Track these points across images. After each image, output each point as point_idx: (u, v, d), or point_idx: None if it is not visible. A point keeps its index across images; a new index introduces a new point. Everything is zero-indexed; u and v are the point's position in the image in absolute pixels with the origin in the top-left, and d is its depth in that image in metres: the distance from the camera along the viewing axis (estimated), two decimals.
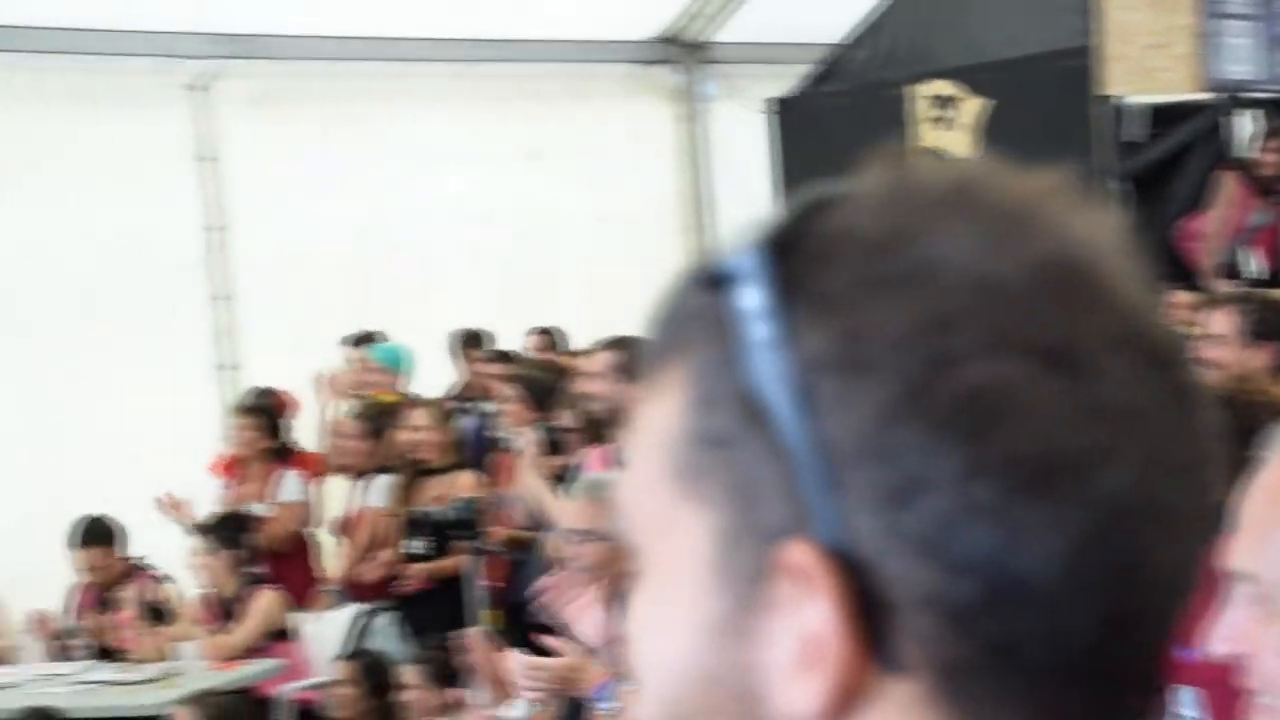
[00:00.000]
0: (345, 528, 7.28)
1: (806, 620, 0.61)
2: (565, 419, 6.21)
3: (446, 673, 5.56)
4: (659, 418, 0.66)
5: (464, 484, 6.83)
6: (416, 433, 6.93)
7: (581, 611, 3.92)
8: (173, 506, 6.93)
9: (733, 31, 9.85)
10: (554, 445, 6.32)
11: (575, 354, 7.38)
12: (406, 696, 5.64)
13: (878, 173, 0.66)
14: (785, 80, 9.24)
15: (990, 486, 0.60)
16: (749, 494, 0.63)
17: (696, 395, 0.64)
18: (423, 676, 5.58)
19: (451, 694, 5.49)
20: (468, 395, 7.88)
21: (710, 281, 0.65)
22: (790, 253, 0.63)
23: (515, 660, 4.05)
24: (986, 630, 0.61)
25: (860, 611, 0.61)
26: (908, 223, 0.63)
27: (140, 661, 6.40)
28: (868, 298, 0.62)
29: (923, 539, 0.60)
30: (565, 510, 4.59)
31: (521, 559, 6.54)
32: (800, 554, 0.61)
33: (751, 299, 0.63)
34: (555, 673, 3.92)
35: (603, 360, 5.55)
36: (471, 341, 8.17)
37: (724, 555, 0.64)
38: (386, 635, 6.73)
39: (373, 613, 6.81)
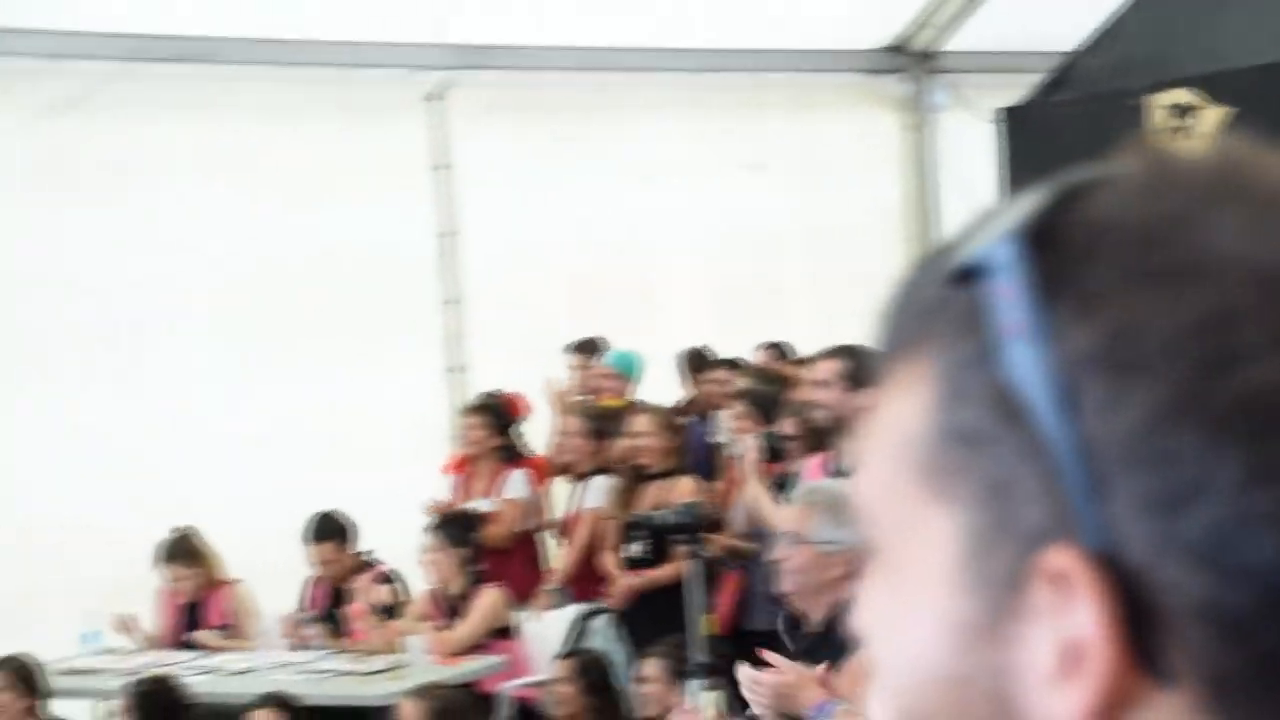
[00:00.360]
0: (565, 528, 7.39)
1: (1070, 627, 0.59)
2: (786, 426, 6.21)
3: (682, 670, 5.61)
4: (901, 414, 0.64)
5: (684, 489, 6.88)
6: (639, 438, 7.00)
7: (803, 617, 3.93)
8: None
9: (963, 40, 9.74)
10: (774, 453, 6.33)
11: (799, 363, 7.38)
12: (644, 690, 5.71)
13: (1132, 159, 0.63)
14: (1016, 89, 9.10)
15: (1272, 493, 0.58)
16: (1004, 494, 0.61)
17: (946, 391, 0.62)
18: (661, 671, 5.63)
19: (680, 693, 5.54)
20: (695, 409, 7.93)
21: (960, 273, 0.63)
22: (1049, 243, 0.61)
23: (740, 674, 4.05)
24: (1261, 640, 0.59)
25: (1127, 619, 0.59)
26: (1176, 211, 0.61)
27: (370, 653, 6.59)
28: (1138, 292, 0.59)
29: (1198, 547, 0.58)
30: (785, 517, 4.60)
31: (742, 566, 6.57)
32: (1063, 558, 0.59)
33: (1009, 291, 0.61)
34: (775, 688, 3.92)
35: (826, 368, 5.54)
36: (697, 359, 8.23)
37: (975, 555, 0.62)
38: (605, 636, 6.81)
39: (592, 613, 6.90)
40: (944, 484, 0.63)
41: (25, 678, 6.13)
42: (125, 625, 6.99)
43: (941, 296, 0.63)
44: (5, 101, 7.61)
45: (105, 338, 7.73)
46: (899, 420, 0.64)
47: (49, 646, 6.46)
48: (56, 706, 6.36)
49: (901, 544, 0.65)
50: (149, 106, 7.91)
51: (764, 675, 3.97)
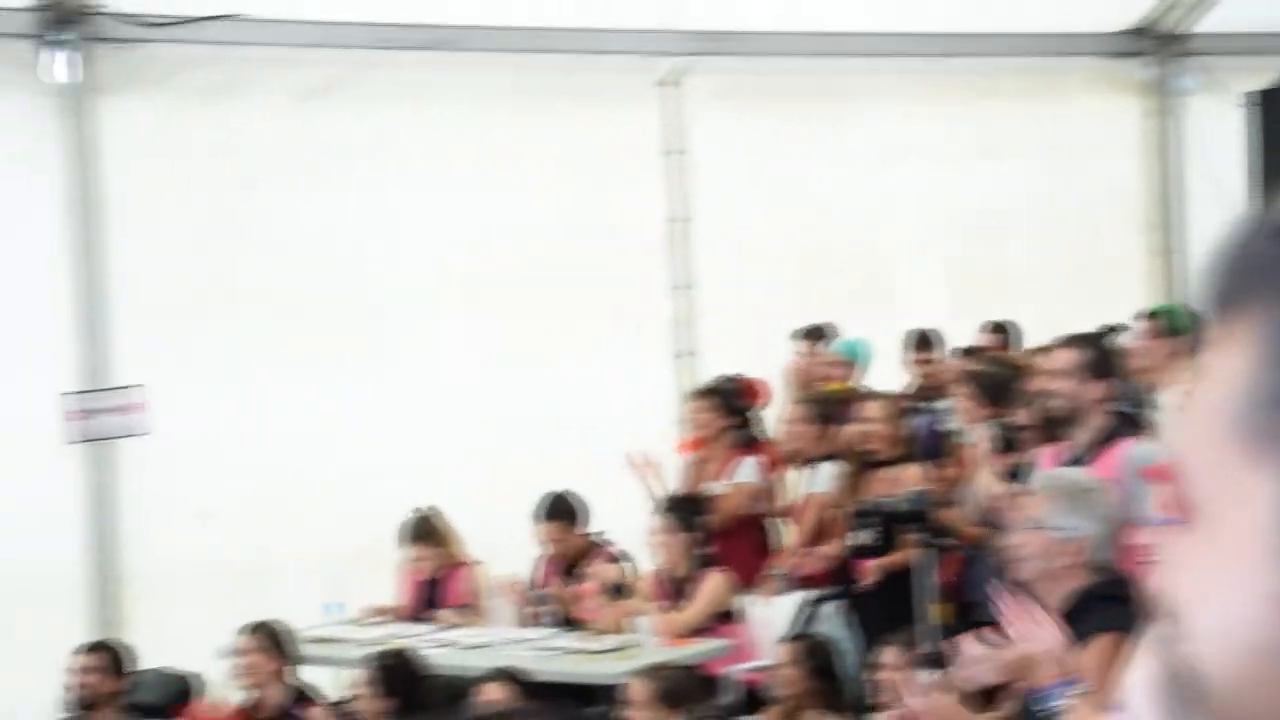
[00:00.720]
0: (793, 514, 7.39)
1: None
2: (1020, 416, 6.11)
3: (916, 658, 5.58)
4: (1225, 373, 0.63)
5: (911, 477, 6.82)
6: (867, 424, 6.97)
7: (1034, 609, 3.88)
8: (644, 466, 7.16)
9: (1213, 21, 9.42)
10: (1008, 442, 6.23)
11: (1034, 351, 7.25)
12: (879, 677, 5.69)
13: None
14: (1267, 72, 8.77)
15: None
16: None
17: (1270, 353, 0.61)
18: (897, 659, 5.60)
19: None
20: (922, 394, 7.86)
21: None
22: None
23: (967, 646, 4.03)
24: None
25: None
26: None
27: (600, 632, 6.69)
28: None
29: None
30: (1019, 507, 4.55)
31: (972, 554, 6.49)
32: None
33: None
34: (1009, 662, 3.89)
35: (1064, 358, 5.43)
36: (924, 343, 8.14)
37: None
38: (832, 623, 6.80)
39: (819, 600, 6.89)
40: (1264, 449, 0.61)
41: (276, 643, 6.35)
42: (374, 613, 7.21)
43: (1272, 255, 0.62)
44: (263, 89, 7.93)
45: (352, 317, 8.00)
46: (1222, 379, 0.63)
47: (295, 615, 6.69)
48: (302, 673, 6.59)
49: (1219, 507, 0.63)
50: (395, 93, 8.16)
51: (997, 650, 3.94)
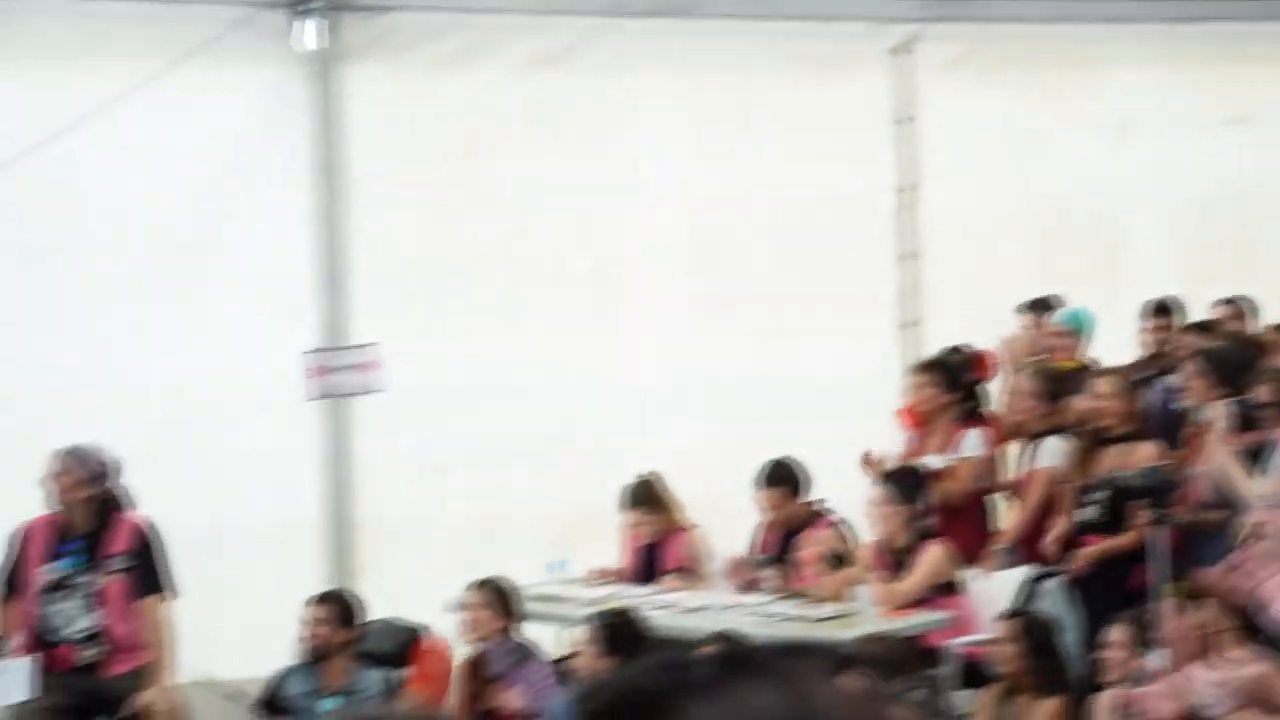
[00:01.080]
0: (1016, 489, 7.29)
1: None
2: (1261, 394, 5.93)
3: (1144, 639, 5.49)
4: None
5: (1144, 454, 6.67)
6: (1099, 400, 6.83)
7: (1276, 588, 3.78)
8: (873, 464, 7.11)
9: None
10: (1247, 421, 6.06)
11: (1275, 328, 7.03)
12: (1106, 656, 5.62)
13: None
14: None
15: None
16: None
17: None
18: (1126, 638, 5.52)
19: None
20: (1152, 364, 7.67)
21: None
22: None
23: (1198, 676, 3.93)
24: None
25: None
26: None
27: (819, 600, 6.70)
28: None
29: None
30: (1258, 487, 4.43)
31: (1206, 534, 6.32)
32: None
33: None
34: (1244, 683, 3.79)
35: None
36: (1161, 311, 7.94)
37: None
38: (1054, 599, 6.70)
39: (1042, 576, 6.79)
40: None
41: (502, 599, 6.51)
42: (596, 574, 7.34)
43: None
44: (496, 56, 8.10)
45: (582, 282, 8.14)
46: None
47: (519, 573, 6.84)
48: (525, 630, 6.75)
49: None
50: (626, 60, 8.24)
51: (1230, 674, 3.84)
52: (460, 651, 6.70)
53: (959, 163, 8.46)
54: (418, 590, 7.00)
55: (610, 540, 7.49)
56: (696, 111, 8.26)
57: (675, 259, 8.31)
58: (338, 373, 7.61)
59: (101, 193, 7.57)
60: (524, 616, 6.62)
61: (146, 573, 6.29)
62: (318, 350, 7.69)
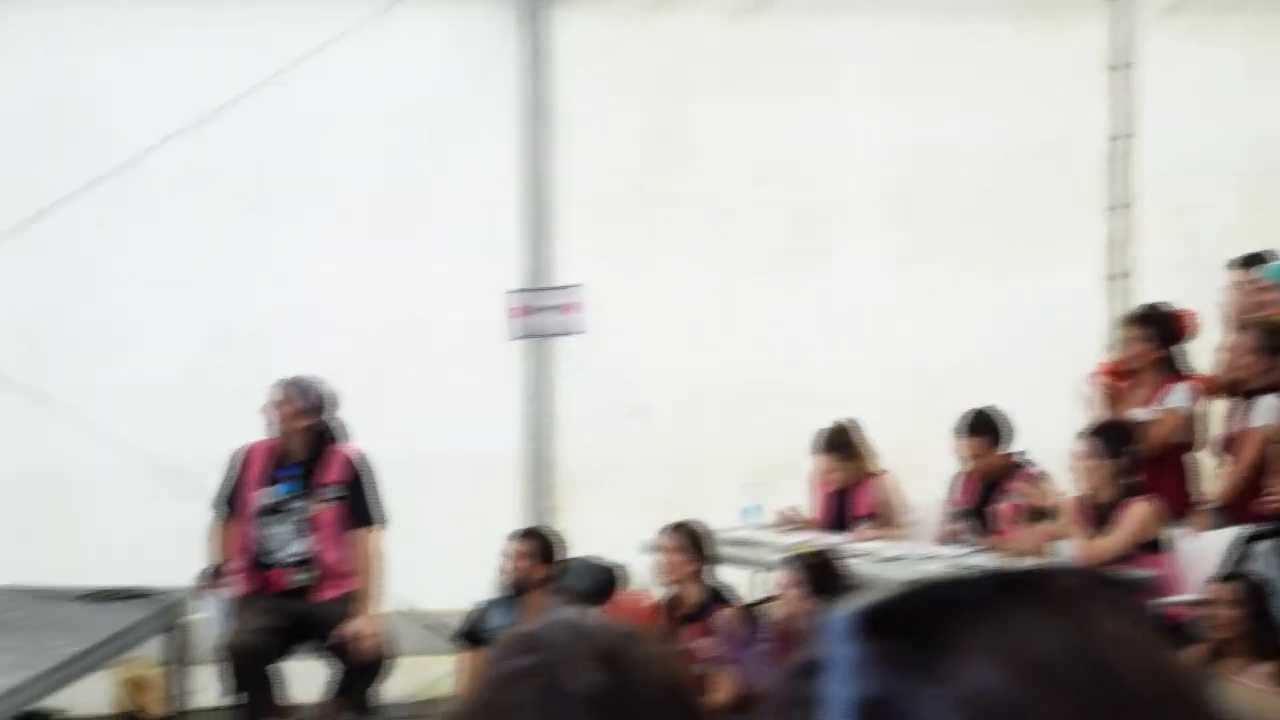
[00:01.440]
0: (1228, 446, 7.10)
1: None
2: None
3: None
4: None
5: None
6: None
7: None
8: (790, 520, 7.14)
9: None
10: None
11: None
12: None
13: None
14: None
15: None
16: None
17: None
18: None
19: None
20: None
21: None
22: None
23: None
24: None
25: None
26: None
27: (1018, 554, 6.62)
28: None
29: None
30: None
31: None
32: None
33: None
34: None
35: None
36: None
37: None
38: (1266, 561, 6.52)
39: (1255, 537, 6.62)
40: None
41: (695, 542, 6.55)
42: (788, 518, 7.35)
43: None
44: (703, 2, 8.08)
45: (783, 227, 8.12)
46: None
47: (714, 516, 6.88)
48: (720, 573, 6.79)
49: None
50: (830, 5, 8.16)
51: None
52: (655, 593, 6.77)
53: (1176, 112, 8.21)
54: (615, 530, 7.08)
55: (805, 487, 7.50)
56: (905, 59, 8.15)
57: (878, 207, 8.23)
58: (541, 313, 7.71)
59: (313, 136, 7.75)
60: (717, 560, 6.66)
61: (357, 503, 6.47)
62: (521, 290, 7.80)
